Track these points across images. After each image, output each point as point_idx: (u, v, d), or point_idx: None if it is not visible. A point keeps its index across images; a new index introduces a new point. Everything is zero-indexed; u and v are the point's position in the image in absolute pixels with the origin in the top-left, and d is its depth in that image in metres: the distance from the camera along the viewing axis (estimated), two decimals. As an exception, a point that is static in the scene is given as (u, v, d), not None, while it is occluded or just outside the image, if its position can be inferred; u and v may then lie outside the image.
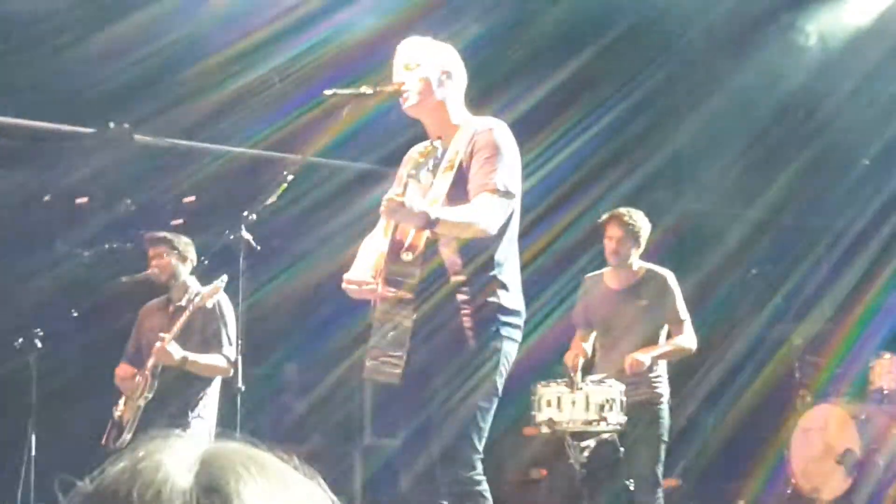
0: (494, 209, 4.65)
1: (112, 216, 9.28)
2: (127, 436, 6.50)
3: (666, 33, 10.10)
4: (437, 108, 4.89)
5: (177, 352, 6.48)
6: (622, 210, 7.14)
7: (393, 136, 10.50)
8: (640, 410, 6.87)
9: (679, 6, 9.82)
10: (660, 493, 6.86)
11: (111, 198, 9.32)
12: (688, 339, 7.05)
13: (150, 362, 6.55)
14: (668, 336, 7.09)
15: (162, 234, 7.12)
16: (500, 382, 4.78)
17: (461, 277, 4.72)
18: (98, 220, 9.28)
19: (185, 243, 6.98)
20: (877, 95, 10.05)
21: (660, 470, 6.88)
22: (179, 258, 6.89)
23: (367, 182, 11.40)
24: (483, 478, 4.71)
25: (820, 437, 8.69)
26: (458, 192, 4.69)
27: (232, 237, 5.22)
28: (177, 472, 1.07)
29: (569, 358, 6.99)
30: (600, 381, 6.81)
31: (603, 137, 10.13)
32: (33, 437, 7.17)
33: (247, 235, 5.17)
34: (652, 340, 7.00)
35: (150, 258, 6.98)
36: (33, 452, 7.10)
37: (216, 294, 6.56)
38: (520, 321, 4.82)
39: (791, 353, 9.51)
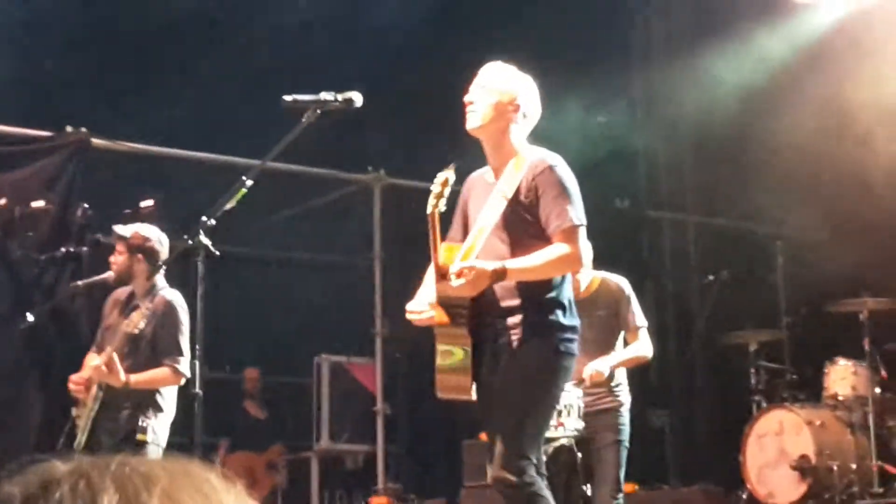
0: (579, 245, 4.97)
1: (68, 220, 9.21)
2: (82, 438, 6.42)
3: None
4: (497, 136, 5.12)
5: (116, 378, 6.29)
6: None
7: (351, 145, 10.57)
8: (603, 418, 6.92)
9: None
10: (621, 498, 6.90)
11: (67, 202, 9.25)
12: (644, 347, 7.06)
13: (88, 376, 6.43)
14: (626, 343, 7.12)
15: (123, 230, 6.83)
16: (559, 395, 5.18)
17: (517, 301, 5.00)
18: (54, 225, 9.22)
19: (146, 241, 6.72)
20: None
21: (622, 474, 6.93)
22: (136, 257, 6.68)
23: (325, 186, 11.43)
24: (534, 479, 4.93)
25: (775, 442, 8.74)
26: (511, 223, 5.00)
27: (190, 242, 5.19)
28: None
29: None
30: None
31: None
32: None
33: (205, 241, 5.15)
34: (610, 348, 7.02)
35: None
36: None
37: (139, 322, 6.31)
38: (576, 336, 5.12)
39: (746, 360, 9.57)
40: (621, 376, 7.06)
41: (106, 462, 1.03)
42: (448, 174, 4.85)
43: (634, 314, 7.06)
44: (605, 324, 7.02)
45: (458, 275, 4.77)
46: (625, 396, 7.04)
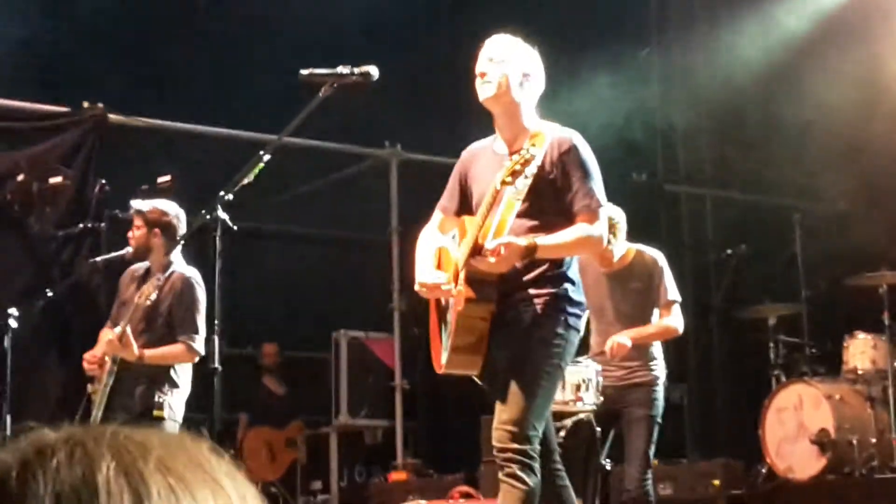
0: (603, 225, 5.05)
1: (86, 196, 9.23)
2: (97, 413, 6.42)
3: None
4: (511, 107, 5.10)
5: (129, 352, 6.30)
6: None
7: (367, 120, 10.56)
8: (636, 392, 6.89)
9: None
10: (649, 474, 6.87)
11: (85, 178, 9.27)
12: (674, 321, 6.97)
13: (102, 350, 6.42)
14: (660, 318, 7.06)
15: (141, 204, 6.79)
16: (564, 367, 5.18)
17: (533, 274, 5.01)
18: (72, 200, 9.23)
19: (164, 215, 6.69)
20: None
21: (651, 451, 6.89)
22: (153, 232, 6.65)
23: (341, 161, 11.43)
24: (536, 454, 4.98)
25: (794, 416, 8.72)
26: (536, 199, 4.95)
27: (208, 217, 5.19)
28: None
29: None
30: (576, 362, 6.79)
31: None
32: (8, 419, 7.13)
33: (223, 215, 5.15)
34: (645, 321, 6.94)
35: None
36: (8, 433, 7.06)
37: (151, 294, 6.29)
38: (583, 312, 5.17)
39: (765, 334, 9.53)
40: (657, 350, 7.03)
41: (100, 431, 1.03)
42: (536, 151, 4.80)
43: (667, 288, 6.96)
44: (640, 296, 6.95)
45: (495, 252, 4.75)
46: (659, 371, 7.00)
